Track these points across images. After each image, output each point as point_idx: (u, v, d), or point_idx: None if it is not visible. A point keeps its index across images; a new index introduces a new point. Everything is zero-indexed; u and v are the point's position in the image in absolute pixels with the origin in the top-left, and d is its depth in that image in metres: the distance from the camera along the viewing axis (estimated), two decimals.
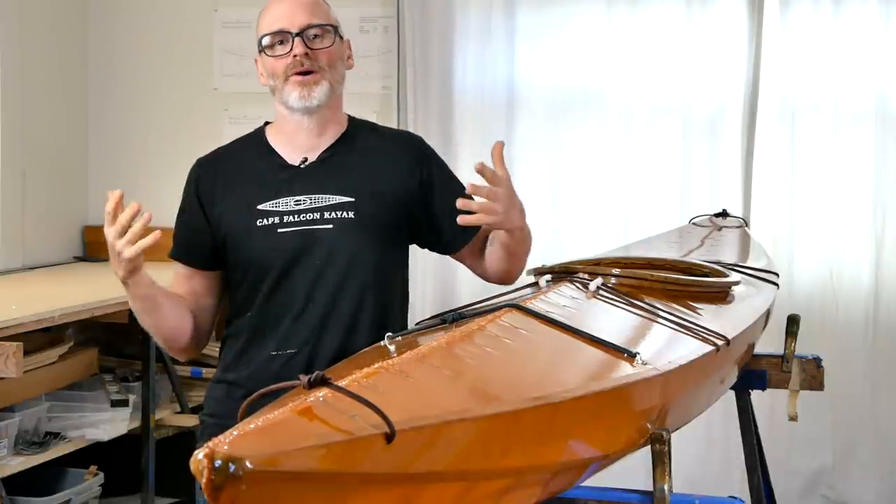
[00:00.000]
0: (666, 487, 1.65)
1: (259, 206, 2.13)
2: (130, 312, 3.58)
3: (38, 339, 3.42)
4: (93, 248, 4.69)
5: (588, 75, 4.41)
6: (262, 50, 2.17)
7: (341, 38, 2.20)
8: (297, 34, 2.13)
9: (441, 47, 4.45)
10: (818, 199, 4.28)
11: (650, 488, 1.67)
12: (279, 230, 2.12)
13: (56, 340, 3.60)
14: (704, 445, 4.24)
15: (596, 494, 1.75)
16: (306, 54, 2.12)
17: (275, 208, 2.13)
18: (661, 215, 4.21)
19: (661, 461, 1.64)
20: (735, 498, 1.79)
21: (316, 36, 2.15)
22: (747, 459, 2.82)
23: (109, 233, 1.92)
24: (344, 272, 2.13)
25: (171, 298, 2.16)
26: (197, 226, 2.19)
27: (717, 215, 3.66)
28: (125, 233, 1.91)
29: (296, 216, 2.13)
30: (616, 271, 2.25)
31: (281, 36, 2.14)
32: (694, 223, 3.61)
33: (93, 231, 4.71)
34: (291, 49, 2.13)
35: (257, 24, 2.20)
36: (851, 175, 4.26)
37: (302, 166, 2.17)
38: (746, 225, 3.67)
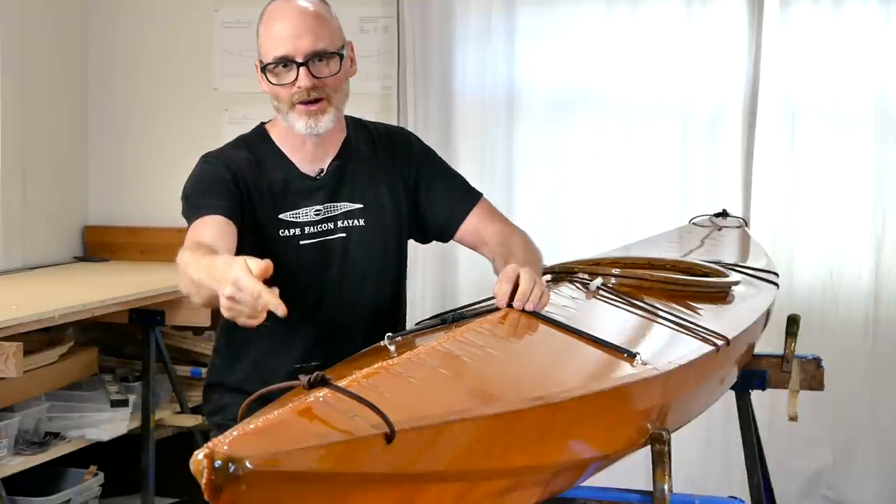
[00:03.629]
0: (666, 487, 1.65)
1: (281, 216, 2.13)
2: (130, 312, 3.67)
3: (38, 339, 3.41)
4: (93, 248, 4.68)
5: (588, 75, 4.40)
6: (263, 69, 2.06)
7: (343, 57, 2.08)
8: (303, 63, 2.02)
9: (441, 47, 4.45)
10: (818, 200, 4.27)
11: (650, 488, 1.67)
12: (301, 242, 2.13)
13: (56, 340, 3.60)
14: (704, 445, 4.23)
15: (596, 494, 1.75)
16: (313, 86, 2.04)
17: (296, 219, 2.13)
18: (661, 215, 4.20)
19: (661, 461, 1.65)
20: (735, 498, 1.79)
21: (321, 60, 2.04)
22: (747, 459, 2.82)
23: (254, 284, 1.59)
24: (360, 281, 2.16)
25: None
26: (231, 189, 2.07)
27: (717, 215, 3.66)
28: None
29: (314, 227, 2.14)
30: (616, 271, 2.26)
31: (285, 62, 2.03)
32: (694, 223, 3.61)
33: (93, 231, 4.70)
34: (297, 79, 2.03)
35: (258, 32, 2.10)
36: (851, 175, 4.25)
37: (318, 177, 2.17)
38: (746, 225, 3.68)
